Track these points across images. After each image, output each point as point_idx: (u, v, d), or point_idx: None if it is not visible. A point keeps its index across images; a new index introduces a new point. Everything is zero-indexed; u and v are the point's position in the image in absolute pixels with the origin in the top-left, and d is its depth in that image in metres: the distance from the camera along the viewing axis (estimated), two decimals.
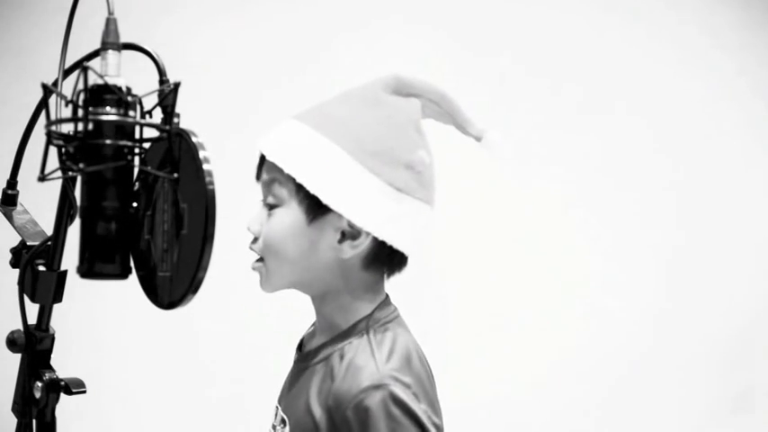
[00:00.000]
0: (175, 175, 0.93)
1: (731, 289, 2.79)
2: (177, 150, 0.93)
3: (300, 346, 1.32)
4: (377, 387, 1.11)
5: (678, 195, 2.80)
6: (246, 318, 2.63)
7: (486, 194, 2.70)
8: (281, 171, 1.17)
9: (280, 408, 1.26)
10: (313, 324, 1.34)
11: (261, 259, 1.22)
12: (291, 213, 1.18)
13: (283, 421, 1.22)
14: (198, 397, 2.65)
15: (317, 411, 1.15)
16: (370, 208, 1.16)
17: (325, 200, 1.15)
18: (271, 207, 1.20)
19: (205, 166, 0.90)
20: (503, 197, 2.73)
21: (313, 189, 1.15)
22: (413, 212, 1.19)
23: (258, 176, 1.24)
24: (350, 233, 1.17)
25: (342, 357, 1.17)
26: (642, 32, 2.80)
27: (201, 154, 0.91)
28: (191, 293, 0.92)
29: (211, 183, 0.90)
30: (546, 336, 2.74)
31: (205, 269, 0.90)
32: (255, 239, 1.22)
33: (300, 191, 1.16)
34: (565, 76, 2.77)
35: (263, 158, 1.23)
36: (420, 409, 1.12)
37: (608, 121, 2.79)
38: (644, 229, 2.79)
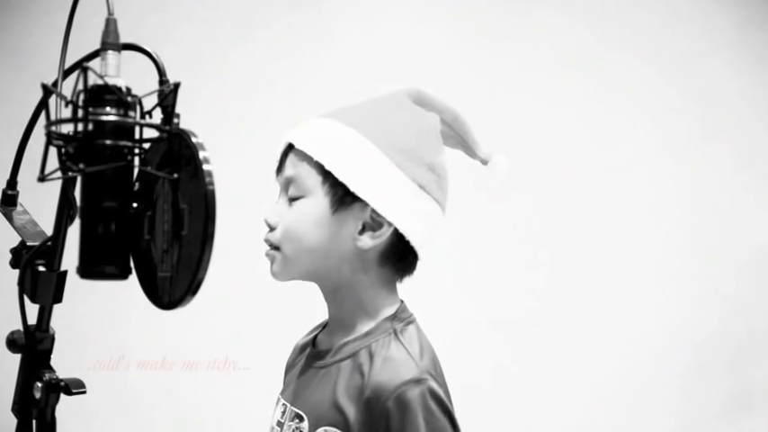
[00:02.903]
0: (175, 175, 0.93)
1: (731, 289, 2.79)
2: (177, 151, 0.93)
3: (312, 345, 1.32)
4: (417, 381, 1.14)
5: (680, 194, 2.80)
6: (247, 317, 2.63)
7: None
8: (308, 161, 1.20)
9: (289, 404, 1.27)
10: (321, 325, 1.36)
11: (276, 248, 1.23)
12: (316, 203, 1.20)
13: (298, 417, 1.23)
14: (198, 397, 2.65)
15: (348, 406, 1.17)
16: (395, 200, 1.20)
17: (353, 188, 1.19)
18: (293, 199, 1.22)
19: (205, 167, 0.90)
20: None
21: (342, 177, 1.19)
22: (430, 211, 1.24)
23: (279, 170, 1.26)
24: (370, 225, 1.21)
25: (371, 354, 1.20)
26: (639, 36, 2.81)
27: (201, 154, 0.91)
28: (191, 294, 0.92)
29: (211, 183, 0.90)
30: (543, 338, 2.75)
31: (205, 269, 0.90)
32: (271, 230, 1.23)
33: (327, 181, 1.20)
34: (563, 78, 2.77)
35: (285, 153, 1.25)
36: (451, 405, 1.17)
37: (605, 122, 2.79)
38: (653, 229, 2.80)
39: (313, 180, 1.20)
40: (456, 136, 1.31)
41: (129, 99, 0.90)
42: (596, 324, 2.76)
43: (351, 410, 1.16)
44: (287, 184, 1.23)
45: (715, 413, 2.77)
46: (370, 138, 1.20)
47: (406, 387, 1.13)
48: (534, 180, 2.75)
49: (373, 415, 1.14)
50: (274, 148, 1.28)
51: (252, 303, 2.60)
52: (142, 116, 0.93)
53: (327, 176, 1.19)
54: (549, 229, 2.77)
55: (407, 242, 1.23)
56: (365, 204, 1.20)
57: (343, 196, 1.19)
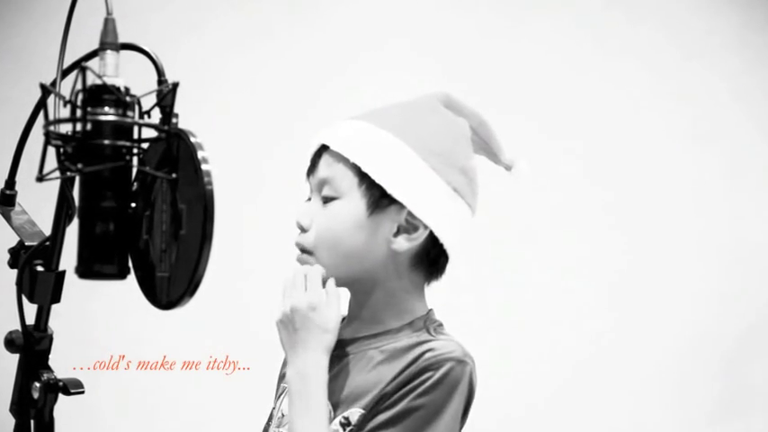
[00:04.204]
0: (174, 175, 0.93)
1: (729, 290, 2.78)
2: (176, 150, 0.93)
3: None
4: (461, 361, 1.18)
5: (680, 194, 2.79)
6: (247, 317, 2.63)
7: None
8: (344, 162, 1.21)
9: None
10: None
11: (309, 253, 1.23)
12: (352, 205, 1.21)
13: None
14: (198, 396, 2.65)
15: (380, 390, 1.19)
16: (431, 202, 1.22)
17: (390, 190, 1.20)
18: (327, 200, 1.23)
19: (203, 167, 0.90)
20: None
21: (379, 179, 1.20)
22: (462, 215, 1.26)
23: (310, 171, 1.27)
24: (405, 228, 1.22)
25: (408, 346, 1.21)
26: (643, 32, 2.80)
27: (200, 154, 0.91)
28: (189, 294, 0.92)
29: (210, 183, 0.90)
30: (539, 340, 2.74)
31: (204, 269, 0.90)
32: (303, 232, 1.24)
33: (363, 182, 1.21)
34: (565, 76, 2.77)
35: (318, 154, 1.25)
36: (473, 395, 1.21)
37: (601, 122, 2.79)
38: (646, 231, 2.79)
39: (349, 181, 1.21)
40: (480, 141, 1.32)
41: (128, 99, 0.90)
42: (589, 325, 2.74)
43: (382, 386, 1.18)
44: (320, 185, 1.24)
45: (712, 414, 2.76)
46: (406, 141, 1.22)
47: (452, 359, 1.17)
48: (567, 173, 2.73)
49: (411, 367, 1.17)
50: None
51: (252, 303, 2.60)
52: (141, 116, 0.93)
53: (364, 178, 1.21)
54: (575, 227, 2.75)
55: (440, 245, 1.24)
56: (401, 207, 1.21)
57: (379, 198, 1.21)
